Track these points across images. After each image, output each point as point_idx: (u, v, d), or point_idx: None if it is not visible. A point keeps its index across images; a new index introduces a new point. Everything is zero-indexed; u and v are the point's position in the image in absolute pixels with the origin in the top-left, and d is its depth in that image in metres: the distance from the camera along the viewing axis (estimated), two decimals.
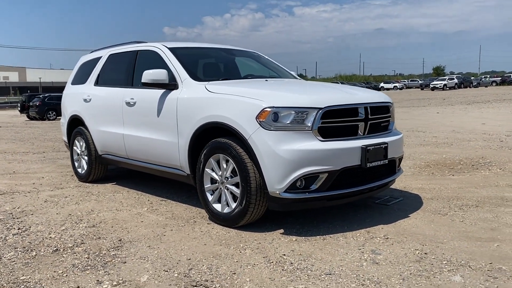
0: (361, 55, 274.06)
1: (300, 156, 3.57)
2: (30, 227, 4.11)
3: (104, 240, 3.71)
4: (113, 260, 3.26)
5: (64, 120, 6.67)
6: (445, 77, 59.29)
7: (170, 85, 4.52)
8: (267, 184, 3.66)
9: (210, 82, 4.40)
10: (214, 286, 2.82)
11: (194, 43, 5.42)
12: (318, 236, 3.74)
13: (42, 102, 26.63)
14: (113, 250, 3.47)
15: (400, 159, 4.53)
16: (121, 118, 5.26)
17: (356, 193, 3.94)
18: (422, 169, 6.51)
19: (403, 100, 32.10)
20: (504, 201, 4.71)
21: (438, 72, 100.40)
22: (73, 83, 6.63)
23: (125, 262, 3.23)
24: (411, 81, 76.21)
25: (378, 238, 3.67)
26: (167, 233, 3.88)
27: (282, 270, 3.05)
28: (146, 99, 4.82)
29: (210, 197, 4.15)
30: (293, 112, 3.64)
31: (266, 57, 5.79)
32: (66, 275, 2.99)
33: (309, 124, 3.65)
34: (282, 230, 3.90)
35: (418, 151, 8.16)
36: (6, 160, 8.43)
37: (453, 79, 57.93)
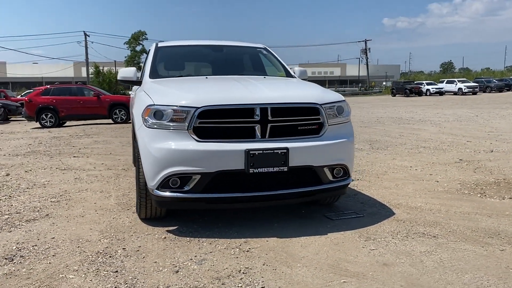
0: None
1: (167, 155, 3.58)
2: (20, 196, 5.12)
3: (36, 213, 4.41)
4: (5, 228, 3.92)
5: None
6: None
7: (137, 82, 4.94)
8: (146, 180, 3.79)
9: (155, 79, 4.66)
10: (17, 260, 3.19)
11: (194, 41, 5.66)
12: (192, 238, 3.68)
13: None
14: (25, 222, 4.13)
15: (339, 168, 3.96)
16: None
17: (243, 200, 3.70)
18: (475, 187, 5.35)
19: None
20: (487, 236, 3.68)
21: None
22: None
23: (11, 232, 3.85)
24: None
25: (237, 249, 3.43)
26: (89, 215, 4.36)
27: (84, 261, 3.20)
28: (132, 94, 5.36)
29: None
30: (171, 110, 3.65)
31: (270, 52, 5.60)
32: None
33: (186, 124, 3.62)
34: (175, 227, 3.94)
35: None
36: (121, 143, 10.11)
37: None
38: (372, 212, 4.39)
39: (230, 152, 3.55)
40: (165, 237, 3.70)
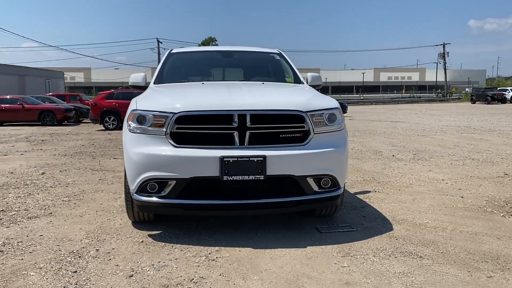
0: None
1: (144, 159, 3.63)
2: (38, 194, 5.44)
3: (42, 211, 4.66)
4: (5, 223, 4.19)
5: None
6: None
7: (144, 87, 5.06)
8: (128, 184, 3.86)
9: (158, 85, 4.75)
10: None
11: (209, 47, 5.71)
12: (167, 244, 3.69)
13: None
14: (26, 219, 4.38)
15: (326, 178, 3.78)
16: None
17: (219, 207, 3.66)
18: (505, 205, 4.93)
19: None
20: (481, 260, 3.36)
21: None
22: None
23: (8, 227, 4.10)
24: None
25: (204, 258, 3.39)
26: (88, 215, 4.53)
27: (53, 260, 3.32)
28: None
29: None
30: (152, 116, 3.70)
31: (284, 58, 5.48)
32: None
33: (164, 129, 3.65)
34: (158, 232, 3.98)
35: None
36: None
37: None
38: (368, 226, 4.14)
39: (204, 158, 3.52)
40: (142, 241, 3.74)
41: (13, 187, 5.87)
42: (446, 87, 61.39)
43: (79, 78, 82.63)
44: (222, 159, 3.48)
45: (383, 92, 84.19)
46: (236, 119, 3.58)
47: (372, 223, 4.24)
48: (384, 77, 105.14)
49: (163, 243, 3.68)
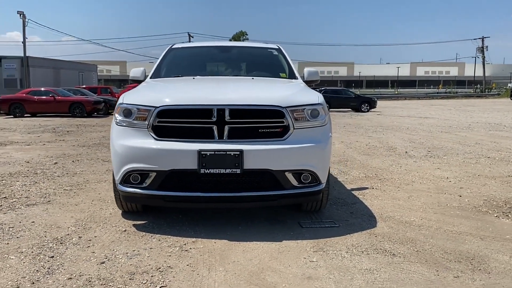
0: None
1: (127, 151, 3.76)
2: (44, 183, 5.69)
3: (41, 199, 4.88)
4: (3, 210, 4.42)
5: None
6: None
7: (142, 82, 5.20)
8: (114, 175, 4.01)
9: (154, 79, 4.88)
10: None
11: (209, 42, 5.78)
12: (148, 234, 3.80)
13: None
14: (24, 206, 4.60)
15: (306, 173, 3.81)
16: None
17: (198, 200, 3.74)
18: (503, 205, 4.84)
19: None
20: (455, 260, 3.32)
21: None
22: None
23: (5, 214, 4.33)
24: None
25: (177, 248, 3.49)
26: (83, 204, 4.71)
27: (35, 245, 3.49)
28: None
29: None
30: (136, 109, 3.83)
31: (281, 53, 5.50)
32: None
33: (147, 122, 3.77)
34: (144, 222, 4.11)
35: None
36: None
37: None
38: (352, 223, 4.14)
39: (182, 151, 3.62)
40: (125, 230, 3.87)
41: (23, 175, 6.15)
42: (484, 82, 59.32)
43: (115, 71, 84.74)
44: (199, 152, 3.56)
45: (420, 87, 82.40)
46: (215, 114, 3.65)
47: (357, 220, 4.23)
48: (421, 72, 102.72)
49: (144, 233, 3.80)
